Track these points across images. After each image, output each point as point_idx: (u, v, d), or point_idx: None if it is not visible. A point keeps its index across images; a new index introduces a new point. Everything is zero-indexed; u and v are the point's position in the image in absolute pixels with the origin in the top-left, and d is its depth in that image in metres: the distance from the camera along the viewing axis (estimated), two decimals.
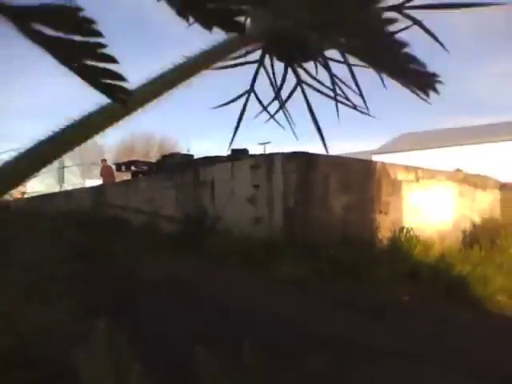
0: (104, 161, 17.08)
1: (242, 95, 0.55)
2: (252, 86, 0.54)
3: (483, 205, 8.70)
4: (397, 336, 3.58)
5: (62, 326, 2.15)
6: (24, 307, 1.95)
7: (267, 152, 10.96)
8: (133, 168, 12.06)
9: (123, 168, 12.59)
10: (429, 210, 7.67)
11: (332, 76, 0.47)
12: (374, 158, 28.91)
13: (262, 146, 43.42)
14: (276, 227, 6.55)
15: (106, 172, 16.20)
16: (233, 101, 0.52)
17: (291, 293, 4.89)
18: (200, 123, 78.15)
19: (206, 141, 66.26)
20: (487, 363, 3.11)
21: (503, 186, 9.37)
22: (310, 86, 0.52)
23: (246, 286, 5.03)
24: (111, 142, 70.99)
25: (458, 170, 12.90)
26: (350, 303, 4.57)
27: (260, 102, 0.54)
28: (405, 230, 6.82)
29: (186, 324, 3.55)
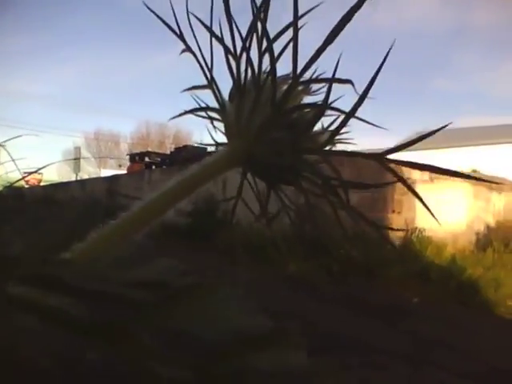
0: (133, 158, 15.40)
1: (229, 199, 0.57)
2: (239, 192, 0.57)
3: (498, 207, 8.57)
4: (404, 339, 3.55)
5: None
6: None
7: None
8: (146, 159, 12.10)
9: (137, 159, 12.64)
10: (442, 210, 7.57)
11: (309, 204, 0.49)
12: (389, 155, 28.62)
13: None
14: (286, 223, 6.51)
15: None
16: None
17: (298, 290, 4.87)
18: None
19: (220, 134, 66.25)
20: (495, 370, 3.06)
21: None
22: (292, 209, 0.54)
23: (254, 282, 5.02)
24: (126, 131, 71.45)
25: (474, 171, 12.75)
26: (358, 303, 4.54)
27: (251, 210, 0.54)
28: (417, 231, 6.75)
29: None
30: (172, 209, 0.42)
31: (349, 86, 0.46)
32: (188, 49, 0.48)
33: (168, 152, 15.29)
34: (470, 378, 2.87)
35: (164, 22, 0.48)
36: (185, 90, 0.52)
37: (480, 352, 3.42)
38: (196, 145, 13.51)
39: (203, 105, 0.51)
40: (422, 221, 7.18)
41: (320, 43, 0.43)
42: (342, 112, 0.46)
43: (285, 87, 0.43)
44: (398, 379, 2.74)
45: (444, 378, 2.79)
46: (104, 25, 74.84)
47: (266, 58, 0.43)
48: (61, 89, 75.04)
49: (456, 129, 35.45)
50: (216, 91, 0.48)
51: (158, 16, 0.48)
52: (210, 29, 0.47)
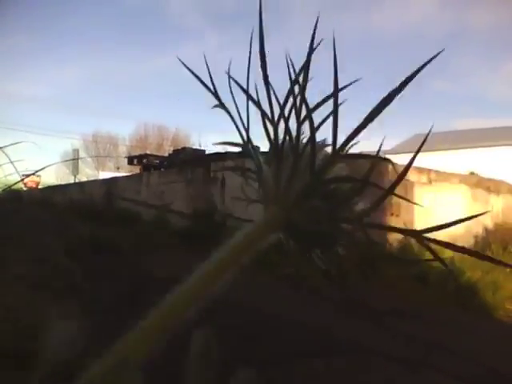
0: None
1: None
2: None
3: (496, 209, 8.58)
4: (402, 341, 3.54)
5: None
6: (26, 303, 1.93)
7: None
8: (144, 161, 12.10)
9: (135, 161, 12.64)
10: (441, 213, 7.58)
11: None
12: (388, 157, 28.68)
13: None
14: None
15: None
16: None
17: (297, 293, 4.86)
18: (213, 118, 78.28)
19: (218, 135, 66.35)
20: (493, 373, 3.06)
21: None
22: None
23: (252, 285, 5.01)
24: (125, 133, 71.42)
25: (472, 174, 12.76)
26: (355, 306, 4.53)
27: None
28: None
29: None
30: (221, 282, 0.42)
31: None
32: (223, 107, 0.48)
33: (166, 154, 15.29)
34: (468, 381, 2.86)
35: (199, 78, 0.49)
36: (217, 144, 0.52)
37: (478, 355, 3.41)
38: (194, 147, 13.52)
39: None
40: (421, 223, 7.19)
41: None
42: (382, 188, 0.47)
43: (323, 153, 0.45)
44: (395, 382, 2.73)
45: (441, 380, 2.79)
46: (103, 26, 74.74)
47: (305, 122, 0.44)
48: (59, 91, 74.97)
49: (455, 131, 35.55)
50: (253, 153, 0.49)
51: (191, 72, 0.50)
52: (247, 92, 0.47)
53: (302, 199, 0.43)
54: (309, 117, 0.44)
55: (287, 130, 0.45)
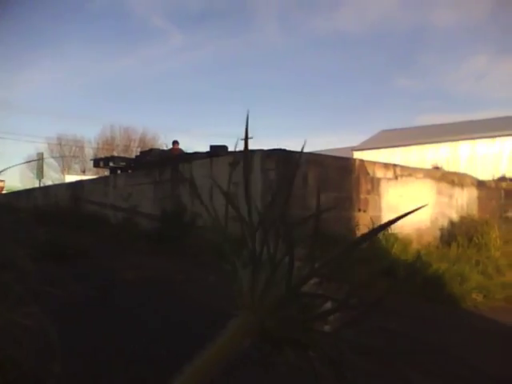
0: (176, 143, 12.48)
1: None
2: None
3: (461, 202, 8.78)
4: (371, 335, 3.57)
5: (28, 330, 2.08)
6: None
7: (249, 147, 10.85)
8: (111, 164, 11.90)
9: (101, 164, 12.42)
10: (407, 207, 7.70)
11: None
12: (355, 154, 29.17)
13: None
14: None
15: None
16: None
17: None
18: (180, 119, 77.77)
19: (186, 136, 66.04)
20: (461, 364, 3.11)
21: (480, 184, 9.47)
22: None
23: (222, 285, 4.98)
24: (91, 135, 70.07)
25: (436, 168, 13.04)
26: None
27: None
28: None
29: (156, 325, 3.49)
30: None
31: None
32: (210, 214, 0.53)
33: (134, 156, 15.07)
34: (437, 373, 2.90)
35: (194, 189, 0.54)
36: None
37: (447, 346, 3.47)
38: (162, 148, 13.37)
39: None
40: (388, 218, 7.29)
41: None
42: (354, 309, 0.51)
43: (299, 265, 0.48)
44: (367, 375, 2.75)
45: (410, 373, 2.82)
46: (67, 27, 73.14)
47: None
48: (22, 94, 73.02)
49: (419, 127, 36.26)
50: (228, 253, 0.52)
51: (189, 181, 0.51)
52: (227, 196, 0.53)
53: (277, 309, 0.45)
54: (287, 233, 0.46)
55: (265, 240, 0.47)
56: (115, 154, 38.79)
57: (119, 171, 11.60)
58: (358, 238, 0.48)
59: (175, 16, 78.62)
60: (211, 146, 8.73)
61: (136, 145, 47.06)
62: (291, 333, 0.46)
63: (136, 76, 78.93)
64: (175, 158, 9.69)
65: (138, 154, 12.97)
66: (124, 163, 11.92)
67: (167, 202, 8.38)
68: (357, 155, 27.32)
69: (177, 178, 8.34)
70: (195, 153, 8.99)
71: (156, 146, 32.40)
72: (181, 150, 12.22)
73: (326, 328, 0.49)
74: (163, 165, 8.92)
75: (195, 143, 73.77)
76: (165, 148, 13.11)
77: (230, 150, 8.78)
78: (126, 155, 31.29)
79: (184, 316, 3.75)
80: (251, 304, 0.46)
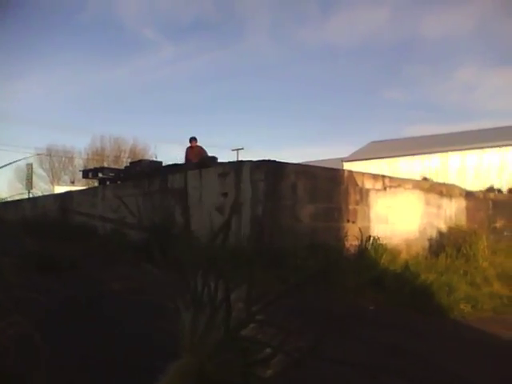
0: (193, 140, 11.18)
1: None
2: None
3: (449, 213, 8.83)
4: (359, 346, 3.56)
5: (13, 339, 2.05)
6: None
7: (240, 157, 10.80)
8: (100, 175, 11.85)
9: (90, 175, 12.36)
10: (396, 218, 7.74)
11: None
12: (345, 165, 29.31)
13: (235, 151, 43.76)
14: (244, 236, 6.49)
15: (193, 156, 10.79)
16: None
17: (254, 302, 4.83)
18: (171, 129, 77.82)
19: (177, 147, 66.04)
20: (448, 375, 3.11)
21: (469, 194, 9.54)
22: None
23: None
24: (81, 146, 69.83)
25: (425, 179, 13.12)
26: (314, 312, 4.54)
27: None
28: (372, 239, 6.85)
29: (140, 335, 3.45)
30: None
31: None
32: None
33: (123, 167, 15.04)
34: (424, 383, 2.90)
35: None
36: None
37: (435, 357, 3.47)
38: (151, 159, 13.34)
39: None
40: (376, 229, 7.32)
41: None
42: (289, 356, 0.52)
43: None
44: None
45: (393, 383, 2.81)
46: (56, 39, 73.11)
47: None
48: (12, 104, 72.64)
49: (409, 138, 36.57)
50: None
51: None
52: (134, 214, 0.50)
53: (217, 353, 0.46)
54: (224, 279, 0.48)
55: (205, 283, 0.49)
56: (105, 164, 38.68)
57: (108, 182, 11.55)
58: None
59: (166, 27, 78.87)
60: (201, 158, 8.72)
61: (126, 155, 46.93)
62: (230, 377, 0.47)
63: (127, 87, 78.99)
64: (165, 168, 9.67)
65: (127, 164, 12.93)
66: (113, 174, 11.88)
67: (156, 213, 8.34)
68: (347, 166, 27.45)
69: (166, 189, 8.31)
70: (185, 164, 8.97)
71: (146, 157, 32.35)
72: (200, 148, 10.91)
73: (269, 373, 0.50)
74: (152, 176, 8.90)
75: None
76: (154, 159, 13.07)
77: (219, 161, 8.77)
78: (117, 166, 31.21)
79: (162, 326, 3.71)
80: (191, 346, 0.47)
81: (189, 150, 11.06)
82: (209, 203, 7.19)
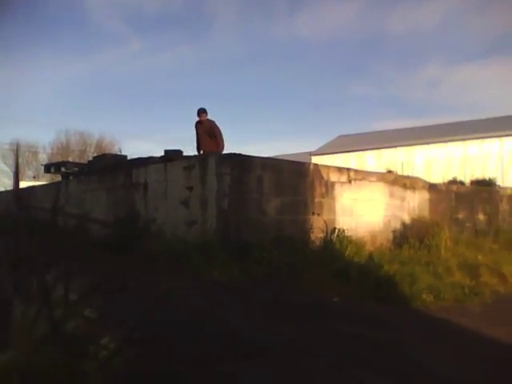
0: (202, 112, 9.28)
1: None
2: None
3: (413, 205, 8.98)
4: (323, 338, 3.58)
5: None
6: None
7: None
8: (63, 169, 11.56)
9: (52, 169, 12.05)
10: (361, 210, 7.82)
11: None
12: (313, 158, 29.53)
13: None
14: (210, 229, 6.44)
15: (203, 132, 9.26)
16: None
17: (222, 297, 4.80)
18: (138, 124, 76.69)
19: (141, 141, 65.19)
20: (411, 364, 3.15)
21: (432, 187, 9.72)
22: None
23: (176, 290, 4.88)
24: (45, 140, 68.12)
25: (389, 171, 13.32)
26: (280, 305, 4.54)
27: None
28: (337, 231, 6.90)
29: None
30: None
31: None
32: None
33: (86, 161, 14.74)
34: (388, 372, 2.92)
35: None
36: None
37: (399, 347, 3.51)
38: (115, 153, 13.09)
39: None
40: (342, 221, 7.38)
41: None
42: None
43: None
44: (317, 378, 2.74)
45: (363, 375, 2.82)
46: (17, 32, 70.71)
47: None
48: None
49: (375, 132, 37.11)
50: None
51: None
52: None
53: (42, 345, 0.44)
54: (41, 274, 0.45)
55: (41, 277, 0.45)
56: (70, 159, 37.86)
57: (71, 177, 11.28)
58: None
59: (132, 20, 77.48)
60: (166, 151, 8.57)
61: (92, 150, 46.06)
62: (55, 370, 0.44)
63: (93, 81, 77.28)
64: (130, 162, 9.48)
65: (91, 159, 12.66)
66: (77, 168, 11.61)
67: (120, 208, 8.20)
68: (315, 160, 27.63)
69: (130, 184, 8.17)
70: (150, 157, 8.82)
71: (113, 151, 31.78)
72: (212, 122, 9.21)
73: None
74: (116, 170, 8.73)
75: (154, 148, 72.77)
76: (119, 153, 12.79)
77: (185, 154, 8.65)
78: (82, 161, 30.55)
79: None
80: (19, 339, 0.44)
81: (198, 126, 9.32)
82: (174, 197, 7.11)
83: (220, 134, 9.11)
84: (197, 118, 9.25)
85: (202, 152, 9.09)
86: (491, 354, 3.58)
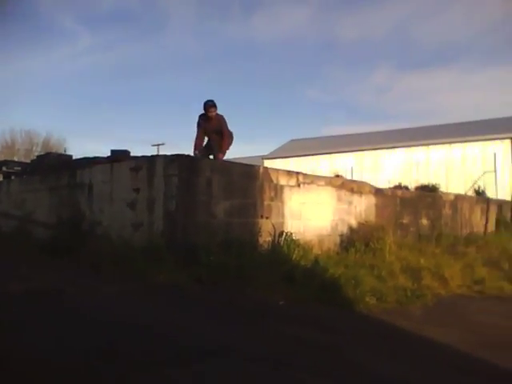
0: (211, 106, 8.10)
1: None
2: None
3: (359, 209, 9.16)
4: (266, 341, 3.57)
5: None
6: None
7: (161, 153, 10.40)
8: (4, 168, 11.10)
9: None
10: (309, 214, 7.90)
11: None
12: (265, 162, 29.72)
13: (156, 147, 42.87)
14: (156, 232, 6.33)
15: (210, 128, 8.27)
16: None
17: (167, 301, 4.72)
18: (86, 123, 74.68)
19: (89, 140, 63.62)
20: (353, 366, 3.19)
21: (378, 191, 9.94)
22: None
23: (120, 296, 4.76)
24: None
25: (337, 176, 13.55)
26: (225, 308, 4.52)
27: None
28: (285, 234, 6.94)
29: (44, 339, 3.25)
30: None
31: None
32: None
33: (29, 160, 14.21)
34: (328, 374, 2.94)
35: None
36: None
37: (340, 349, 3.55)
38: (60, 152, 12.69)
39: None
40: (290, 225, 7.43)
41: None
42: None
43: None
44: (258, 381, 2.73)
45: (304, 377, 2.83)
46: None
47: None
48: None
49: (327, 137, 37.78)
50: None
51: None
52: None
53: None
54: None
55: None
56: (15, 158, 36.44)
57: (13, 176, 10.84)
58: None
59: (83, 16, 75.49)
60: (112, 151, 8.36)
61: (39, 149, 44.45)
62: None
63: (41, 77, 74.66)
64: (75, 162, 9.20)
65: (34, 158, 12.22)
66: (19, 168, 11.17)
67: (64, 209, 7.94)
68: (267, 164, 27.81)
69: (75, 184, 7.92)
70: (95, 157, 8.58)
71: (61, 151, 30.80)
72: (221, 116, 8.09)
73: None
74: (60, 170, 8.44)
75: (102, 148, 71.05)
76: (64, 152, 12.40)
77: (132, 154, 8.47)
78: (28, 160, 29.43)
79: (70, 328, 3.52)
80: None
81: (203, 122, 8.15)
82: (120, 198, 6.94)
83: (229, 131, 8.25)
84: (196, 116, 8.19)
85: (197, 152, 8.10)
86: (429, 354, 3.68)
